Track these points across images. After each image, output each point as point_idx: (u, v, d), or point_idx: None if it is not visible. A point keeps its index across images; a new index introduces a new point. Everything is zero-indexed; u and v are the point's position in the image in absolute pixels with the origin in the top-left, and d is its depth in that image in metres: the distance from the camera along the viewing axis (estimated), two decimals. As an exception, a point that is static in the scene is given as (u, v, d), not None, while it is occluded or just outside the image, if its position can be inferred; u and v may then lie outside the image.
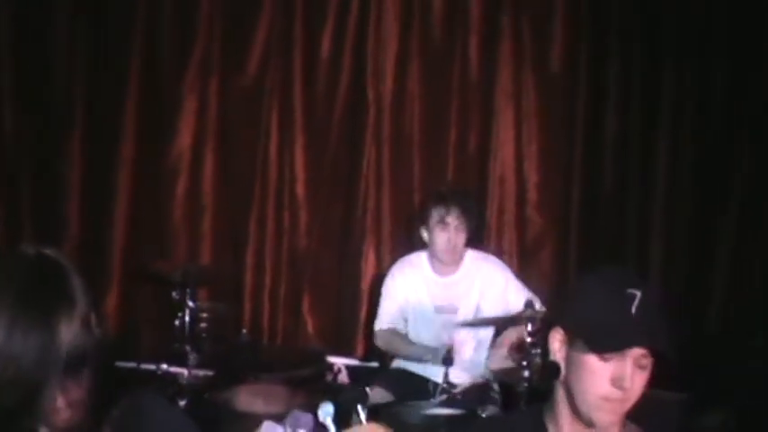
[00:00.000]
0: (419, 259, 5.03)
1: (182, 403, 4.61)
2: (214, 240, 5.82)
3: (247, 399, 4.70)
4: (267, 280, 5.81)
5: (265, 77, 5.77)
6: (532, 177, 5.76)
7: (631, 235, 5.64)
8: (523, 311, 4.34)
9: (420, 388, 4.62)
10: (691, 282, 5.58)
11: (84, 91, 5.71)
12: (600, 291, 2.09)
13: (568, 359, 2.10)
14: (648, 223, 5.60)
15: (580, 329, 2.07)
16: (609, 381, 2.01)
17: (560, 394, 2.13)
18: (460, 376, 4.63)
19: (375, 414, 4.23)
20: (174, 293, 5.07)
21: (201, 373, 4.97)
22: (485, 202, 5.72)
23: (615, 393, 2.02)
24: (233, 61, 5.78)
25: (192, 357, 4.95)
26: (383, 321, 5.02)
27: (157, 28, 5.76)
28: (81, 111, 5.71)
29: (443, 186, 5.28)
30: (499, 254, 5.56)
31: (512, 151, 5.76)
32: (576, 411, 2.09)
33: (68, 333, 1.87)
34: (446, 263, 4.91)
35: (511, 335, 4.73)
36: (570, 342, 2.10)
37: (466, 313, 4.81)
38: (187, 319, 5.04)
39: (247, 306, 5.79)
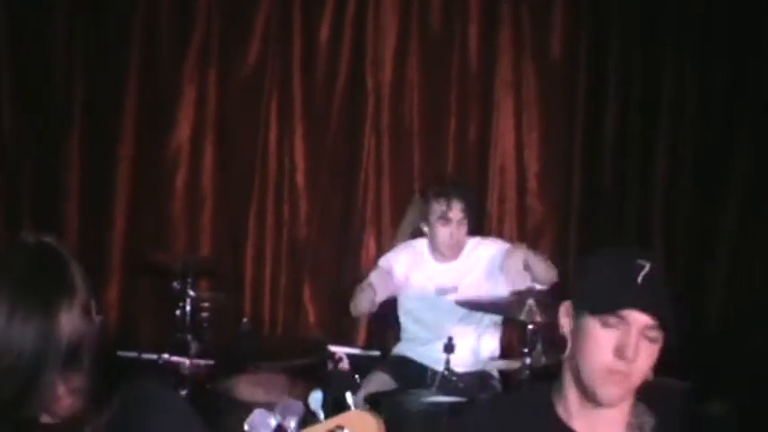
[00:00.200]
0: (421, 245, 5.02)
1: (183, 393, 4.62)
2: (214, 231, 5.83)
3: (248, 388, 4.70)
4: (267, 270, 5.81)
5: (264, 68, 5.77)
6: (533, 166, 5.76)
7: (631, 222, 5.64)
8: (525, 294, 4.33)
9: (419, 375, 4.63)
10: (690, 270, 5.57)
11: (83, 85, 5.72)
12: (609, 261, 2.07)
13: (574, 331, 2.07)
14: (649, 210, 5.60)
15: (584, 295, 2.06)
16: (612, 350, 1.97)
17: (567, 370, 2.09)
18: (461, 367, 4.64)
19: (376, 402, 4.25)
20: (174, 284, 5.08)
21: (203, 362, 4.98)
22: (485, 191, 5.72)
23: (619, 365, 1.97)
24: (231, 52, 5.78)
25: (193, 347, 4.96)
26: (366, 281, 4.98)
27: (156, 19, 5.76)
28: (80, 105, 5.72)
29: (443, 179, 5.21)
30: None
31: (512, 140, 5.75)
32: (581, 387, 2.05)
33: (68, 321, 1.88)
34: (448, 256, 4.91)
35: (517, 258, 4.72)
36: (576, 313, 2.07)
37: (467, 293, 4.78)
38: (188, 309, 5.06)
39: (248, 296, 5.80)
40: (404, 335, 5.06)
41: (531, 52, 5.74)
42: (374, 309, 4.97)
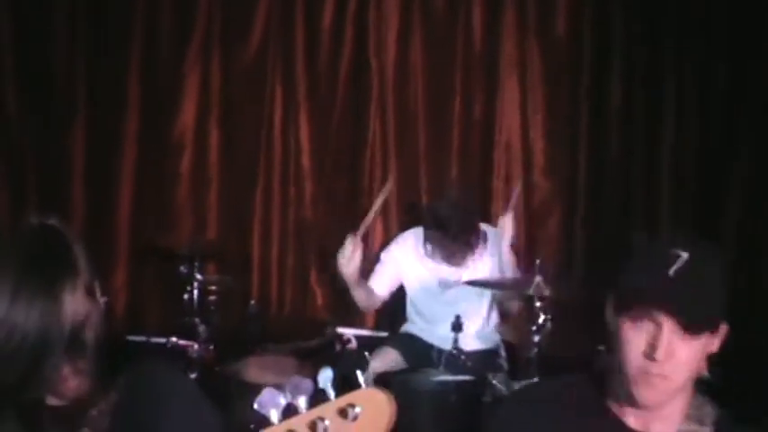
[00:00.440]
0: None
1: (192, 376, 4.64)
2: (220, 214, 5.81)
3: (257, 371, 4.73)
4: (274, 252, 5.80)
5: (267, 50, 5.74)
6: (538, 144, 5.74)
7: (638, 198, 5.61)
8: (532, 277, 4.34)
9: (427, 353, 4.64)
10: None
11: (86, 71, 5.68)
12: (644, 250, 1.94)
13: (613, 325, 1.92)
14: (656, 186, 5.57)
15: (614, 289, 1.93)
16: (642, 351, 1.84)
17: (614, 366, 1.94)
18: (470, 345, 4.65)
19: (385, 382, 4.26)
20: (181, 268, 5.09)
21: (211, 345, 4.99)
22: (491, 170, 5.71)
23: (651, 366, 1.83)
24: (235, 34, 5.75)
25: (201, 330, 4.98)
26: (372, 280, 5.03)
27: (159, 3, 5.73)
28: (83, 89, 5.68)
29: (443, 210, 4.93)
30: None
31: (517, 119, 5.73)
32: (621, 387, 1.93)
33: (72, 302, 1.88)
34: None
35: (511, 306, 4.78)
36: (612, 309, 1.94)
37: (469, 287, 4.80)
38: (195, 292, 5.07)
39: (255, 279, 5.78)
40: (410, 317, 5.10)
41: (535, 30, 5.72)
42: (377, 305, 5.04)
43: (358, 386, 1.47)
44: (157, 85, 5.75)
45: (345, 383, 1.51)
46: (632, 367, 1.85)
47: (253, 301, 5.34)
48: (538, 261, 4.38)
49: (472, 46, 5.73)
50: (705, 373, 1.91)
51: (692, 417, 1.98)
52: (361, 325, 5.70)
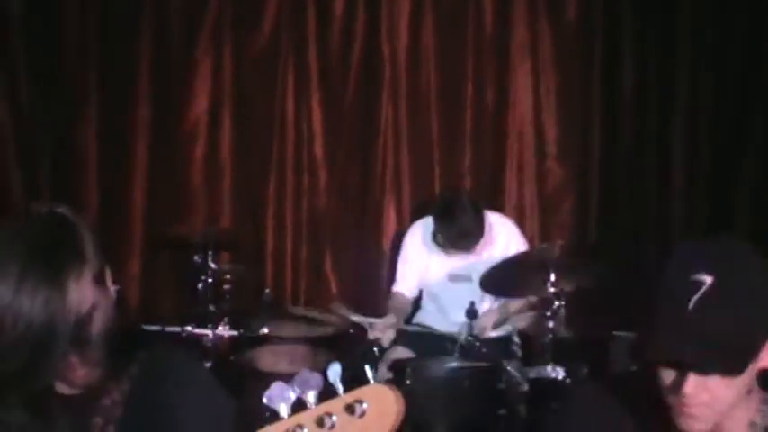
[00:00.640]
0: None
1: (207, 365, 4.65)
2: (234, 204, 5.81)
3: (271, 359, 4.74)
4: (288, 241, 5.80)
5: (279, 38, 5.73)
6: (551, 129, 5.73)
7: (652, 184, 5.59)
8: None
9: (441, 344, 4.64)
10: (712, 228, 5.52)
11: (97, 60, 5.69)
12: (668, 275, 1.69)
13: None
14: (669, 173, 5.55)
15: (638, 330, 1.76)
16: (667, 386, 1.70)
17: None
18: (482, 330, 4.65)
19: (400, 369, 4.27)
20: (195, 257, 5.10)
21: (225, 334, 5.01)
22: (503, 156, 5.70)
23: (680, 400, 1.69)
24: (246, 22, 5.74)
25: (216, 319, 4.99)
26: (399, 284, 5.10)
27: (169, -7, 5.74)
28: (95, 79, 5.69)
29: (450, 220, 4.85)
30: (520, 207, 5.58)
31: (530, 103, 5.72)
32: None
33: (78, 290, 1.88)
34: None
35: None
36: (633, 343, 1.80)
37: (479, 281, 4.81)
38: (209, 281, 5.08)
39: (269, 268, 5.78)
40: (423, 305, 5.12)
41: (547, 15, 5.70)
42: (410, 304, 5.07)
43: (367, 381, 1.47)
44: (169, 73, 5.75)
45: (353, 378, 1.51)
46: (670, 399, 1.72)
47: (267, 290, 5.34)
48: (544, 246, 4.39)
49: (483, 31, 5.71)
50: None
51: (758, 426, 1.82)
52: (375, 313, 5.70)
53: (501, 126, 5.73)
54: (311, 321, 4.93)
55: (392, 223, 5.74)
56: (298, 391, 1.52)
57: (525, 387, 4.15)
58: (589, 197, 5.70)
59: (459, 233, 4.77)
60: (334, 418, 1.46)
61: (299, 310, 5.13)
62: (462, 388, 4.16)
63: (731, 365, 1.64)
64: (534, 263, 4.38)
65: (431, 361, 4.41)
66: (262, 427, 1.56)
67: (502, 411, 4.14)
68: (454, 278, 4.92)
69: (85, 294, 1.90)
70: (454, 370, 4.25)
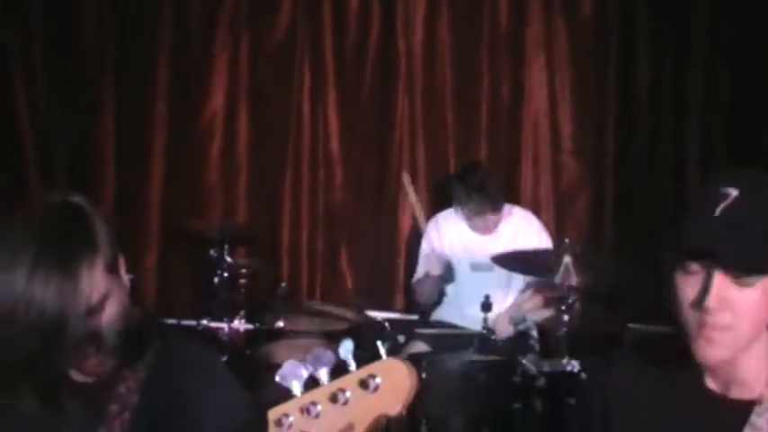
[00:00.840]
0: (456, 216, 5.04)
1: (222, 359, 4.65)
2: (250, 199, 5.82)
3: (287, 353, 4.74)
4: (304, 236, 5.81)
5: (295, 34, 5.74)
6: (566, 124, 5.74)
7: (667, 178, 5.58)
8: (561, 251, 4.33)
9: (459, 338, 4.64)
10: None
11: (114, 56, 5.70)
12: (702, 193, 1.72)
13: (670, 288, 1.74)
14: (684, 170, 5.54)
15: (670, 243, 1.73)
16: (691, 301, 1.67)
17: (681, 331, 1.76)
18: (500, 332, 4.65)
19: (415, 363, 4.26)
20: (211, 251, 5.10)
21: (242, 328, 5.01)
22: (519, 150, 5.70)
23: (703, 318, 1.65)
24: (262, 18, 5.76)
25: (232, 313, 5.00)
26: (418, 275, 5.10)
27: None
28: (112, 75, 5.70)
29: (464, 169, 5.13)
30: (535, 202, 5.58)
31: (545, 99, 5.73)
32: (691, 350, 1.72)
33: (89, 278, 1.88)
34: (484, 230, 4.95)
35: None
36: (668, 263, 1.74)
37: (500, 271, 4.81)
38: (225, 275, 5.08)
39: (285, 263, 5.79)
40: (446, 298, 5.13)
41: (562, 11, 5.71)
42: (441, 289, 5.06)
43: (379, 357, 1.47)
44: (187, 69, 5.76)
45: (365, 354, 1.51)
46: (688, 323, 1.68)
47: (283, 284, 5.35)
48: (567, 240, 4.37)
49: (498, 26, 5.73)
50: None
51: None
52: (391, 308, 5.70)
53: (516, 121, 5.75)
54: (327, 316, 4.94)
55: (408, 218, 5.75)
56: (310, 368, 1.52)
57: (541, 381, 4.14)
58: (604, 193, 5.71)
59: (477, 185, 4.82)
60: (348, 393, 1.46)
61: (315, 305, 5.13)
62: (478, 382, 4.16)
63: (758, 262, 1.65)
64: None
65: (447, 355, 4.41)
66: None
67: (517, 405, 4.13)
68: (476, 267, 4.92)
69: (98, 283, 1.91)
70: (470, 364, 4.25)
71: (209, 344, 4.82)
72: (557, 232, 5.50)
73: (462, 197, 4.89)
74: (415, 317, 5.50)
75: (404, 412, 1.46)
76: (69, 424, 2.04)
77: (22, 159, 5.63)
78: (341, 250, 5.85)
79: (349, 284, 5.83)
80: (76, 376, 2.08)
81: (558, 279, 4.24)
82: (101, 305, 1.92)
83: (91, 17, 5.67)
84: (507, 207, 4.97)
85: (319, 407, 1.48)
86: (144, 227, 5.72)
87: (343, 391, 1.47)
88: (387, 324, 4.88)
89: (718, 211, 1.63)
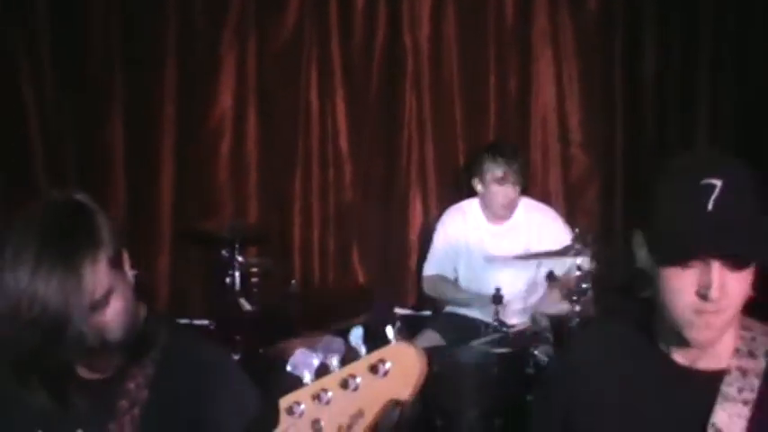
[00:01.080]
0: (470, 207, 5.06)
1: (236, 358, 4.66)
2: (260, 198, 5.82)
3: (301, 351, 4.75)
4: (315, 235, 5.81)
5: (302, 32, 5.73)
6: (575, 117, 5.73)
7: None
8: (573, 244, 4.34)
9: (471, 331, 4.64)
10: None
11: (121, 56, 5.70)
12: (674, 184, 1.78)
13: (652, 269, 1.83)
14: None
15: (650, 238, 1.83)
16: (694, 293, 1.74)
17: (658, 307, 1.85)
18: (512, 320, 4.65)
19: (427, 356, 4.26)
20: (223, 251, 5.12)
21: (254, 327, 5.03)
22: (528, 143, 5.70)
23: (704, 306, 1.74)
24: (269, 17, 5.75)
25: (244, 313, 5.01)
26: (431, 267, 5.11)
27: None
28: (121, 77, 5.70)
29: (496, 140, 5.34)
30: (545, 194, 5.58)
31: (553, 91, 5.72)
32: (672, 328, 1.83)
33: (92, 273, 1.90)
34: (501, 216, 4.94)
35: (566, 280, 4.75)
36: (650, 249, 1.83)
37: (515, 263, 4.82)
38: (237, 275, 5.10)
39: (297, 261, 5.79)
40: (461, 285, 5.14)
41: (568, 5, 5.71)
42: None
43: (388, 341, 1.47)
44: (194, 70, 5.76)
45: (374, 340, 1.52)
46: (685, 312, 1.77)
47: (294, 281, 5.36)
48: (577, 230, 4.39)
49: (504, 21, 5.72)
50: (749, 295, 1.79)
51: (742, 352, 1.88)
52: (403, 304, 5.71)
53: (524, 116, 5.74)
54: (338, 313, 4.95)
55: (418, 215, 5.75)
56: (321, 356, 1.53)
57: (554, 372, 4.13)
58: (614, 184, 5.70)
59: (509, 150, 4.94)
60: (358, 379, 1.47)
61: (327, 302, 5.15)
62: (491, 373, 4.16)
63: (752, 248, 1.71)
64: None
65: (459, 347, 4.42)
66: None
67: (530, 397, 4.13)
68: (490, 260, 4.92)
69: (101, 278, 1.92)
70: (483, 355, 4.25)
71: (223, 343, 4.84)
72: (567, 224, 5.51)
73: (488, 162, 4.91)
74: (427, 312, 5.52)
75: (414, 396, 1.47)
76: (79, 420, 2.06)
77: (31, 161, 5.64)
78: (352, 248, 5.85)
79: (361, 281, 5.83)
80: (84, 373, 2.09)
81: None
82: (105, 300, 1.94)
83: (98, 17, 5.67)
84: (524, 199, 4.99)
85: (330, 393, 1.49)
86: (155, 229, 5.73)
87: (353, 376, 1.47)
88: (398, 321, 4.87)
89: (710, 206, 1.68)
